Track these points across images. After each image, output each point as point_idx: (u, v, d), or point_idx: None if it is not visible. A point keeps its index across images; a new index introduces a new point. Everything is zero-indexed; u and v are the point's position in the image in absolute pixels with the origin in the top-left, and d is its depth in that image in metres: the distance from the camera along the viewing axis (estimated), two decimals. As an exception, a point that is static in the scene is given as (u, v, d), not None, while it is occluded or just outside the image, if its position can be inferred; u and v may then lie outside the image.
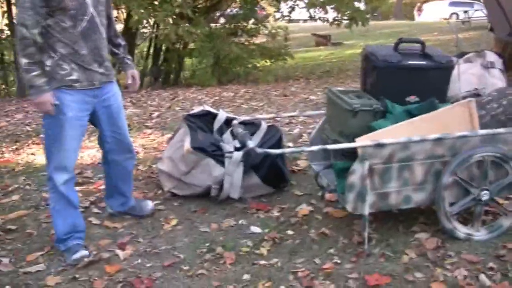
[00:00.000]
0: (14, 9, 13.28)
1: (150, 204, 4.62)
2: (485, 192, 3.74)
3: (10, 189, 5.31)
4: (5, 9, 13.19)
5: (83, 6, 3.71)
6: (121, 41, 4.27)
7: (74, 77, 3.75)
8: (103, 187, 4.91)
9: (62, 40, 3.69)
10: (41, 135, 7.37)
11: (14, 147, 6.93)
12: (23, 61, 3.60)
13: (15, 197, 5.11)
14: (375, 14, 33.44)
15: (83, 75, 3.78)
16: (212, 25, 14.60)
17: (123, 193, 4.47)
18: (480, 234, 3.85)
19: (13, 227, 4.44)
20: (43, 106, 3.67)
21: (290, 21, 15.95)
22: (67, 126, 3.77)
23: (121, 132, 4.17)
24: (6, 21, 13.31)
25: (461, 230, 3.82)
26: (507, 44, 7.06)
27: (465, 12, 30.12)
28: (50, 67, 3.70)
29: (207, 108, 5.12)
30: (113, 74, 4.07)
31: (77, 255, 3.87)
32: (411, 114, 3.85)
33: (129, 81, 4.28)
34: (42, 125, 3.98)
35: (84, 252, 3.92)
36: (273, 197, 4.85)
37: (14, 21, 3.58)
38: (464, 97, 4.31)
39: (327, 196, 4.65)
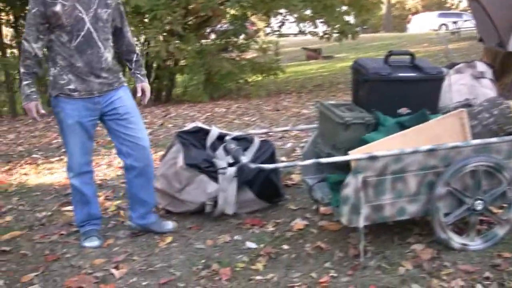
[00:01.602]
0: (4, 32, 13.33)
1: (171, 224, 4.60)
2: (479, 201, 3.75)
3: (3, 210, 5.30)
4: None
5: (80, 23, 3.94)
6: (133, 56, 4.40)
7: (72, 86, 4.03)
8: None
9: (61, 53, 3.99)
10: (33, 155, 7.39)
11: (6, 167, 6.92)
12: (21, 70, 4.02)
13: (8, 218, 5.10)
14: (365, 27, 33.50)
15: (81, 85, 4.04)
16: (203, 41, 14.61)
17: (143, 203, 4.43)
18: (475, 244, 3.85)
19: (7, 248, 4.41)
20: (29, 112, 4.09)
21: (281, 35, 15.98)
22: (68, 131, 4.11)
23: (134, 135, 4.21)
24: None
25: (456, 240, 3.82)
26: (497, 54, 7.08)
27: (454, 22, 30.32)
28: (52, 77, 4.05)
29: (200, 124, 5.12)
30: (118, 81, 4.21)
31: (88, 243, 4.35)
32: (403, 126, 3.86)
33: (139, 94, 4.41)
34: None
35: (95, 243, 4.35)
36: (268, 212, 4.85)
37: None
38: (455, 108, 4.31)
39: (322, 209, 4.65)
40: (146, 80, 4.48)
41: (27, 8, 3.94)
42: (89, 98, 4.06)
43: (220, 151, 4.79)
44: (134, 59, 4.40)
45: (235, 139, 4.63)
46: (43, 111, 4.07)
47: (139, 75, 4.43)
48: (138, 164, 4.27)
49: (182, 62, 13.95)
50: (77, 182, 4.26)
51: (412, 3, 48.27)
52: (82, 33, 3.95)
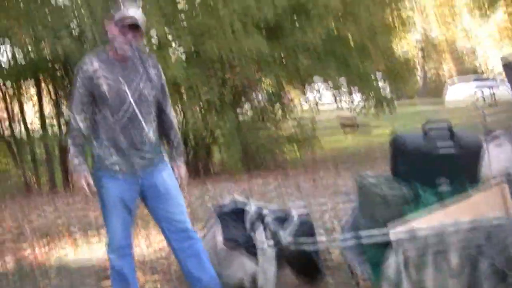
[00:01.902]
0: (46, 108, 13.60)
1: None
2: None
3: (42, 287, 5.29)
4: (37, 108, 13.44)
5: (123, 99, 3.95)
6: (173, 138, 4.34)
7: (114, 162, 4.01)
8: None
9: (104, 127, 4.00)
10: (72, 230, 7.43)
11: (45, 244, 6.94)
12: (68, 141, 4.03)
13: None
14: (400, 95, 33.55)
15: (123, 161, 4.01)
16: (239, 112, 14.72)
17: (199, 280, 4.25)
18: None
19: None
20: (77, 183, 4.03)
21: (317, 108, 16.04)
22: (109, 207, 4.05)
23: (175, 215, 4.15)
24: (38, 119, 13.54)
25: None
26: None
27: (490, 88, 30.18)
28: (97, 152, 4.05)
29: (238, 199, 5.11)
30: (160, 158, 4.17)
31: None
32: (443, 199, 3.81)
33: (176, 175, 4.31)
34: None
35: None
36: (306, 287, 4.77)
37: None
38: (495, 179, 4.25)
39: (362, 285, 4.57)
40: (183, 161, 4.42)
41: (71, 82, 4.01)
42: (131, 176, 4.04)
43: (259, 228, 4.75)
44: (174, 139, 4.35)
45: (274, 214, 4.61)
46: (91, 181, 3.98)
47: (177, 157, 4.37)
48: (182, 245, 4.20)
49: (220, 137, 14.04)
50: (117, 261, 4.16)
51: (447, 70, 48.30)
52: (125, 109, 3.95)
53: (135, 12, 3.97)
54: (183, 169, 4.38)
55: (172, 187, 4.18)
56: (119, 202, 4.04)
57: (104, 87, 3.92)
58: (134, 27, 3.93)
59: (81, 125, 3.98)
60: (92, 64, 3.96)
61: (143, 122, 4.02)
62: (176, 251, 4.26)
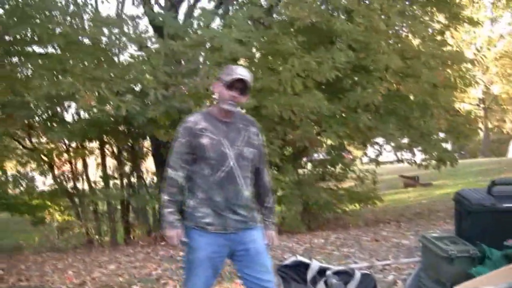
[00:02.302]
0: (108, 162, 13.87)
1: None
2: None
3: None
4: (99, 161, 13.72)
5: (224, 158, 4.03)
6: (267, 199, 4.37)
7: (208, 220, 4.04)
8: None
9: (201, 185, 4.06)
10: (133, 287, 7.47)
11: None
12: (164, 197, 4.06)
13: None
14: (462, 152, 33.15)
15: (217, 220, 4.05)
16: (300, 171, 14.72)
17: None
18: None
19: None
20: (171, 240, 4.04)
21: (378, 164, 15.94)
22: (198, 265, 4.04)
23: (261, 278, 4.12)
24: (100, 173, 13.80)
25: None
26: None
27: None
28: (190, 208, 4.09)
29: (299, 258, 5.10)
30: (254, 220, 4.19)
31: None
32: (510, 259, 3.74)
33: (266, 241, 4.30)
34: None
35: None
36: None
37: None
38: None
39: None
40: (274, 228, 4.42)
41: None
42: (223, 234, 4.06)
43: (321, 286, 4.72)
44: (267, 204, 4.37)
45: (336, 273, 4.57)
46: (184, 239, 4.03)
47: (267, 223, 4.37)
48: None
49: (280, 193, 14.04)
50: None
51: (510, 127, 47.50)
52: (225, 169, 4.03)
53: (244, 71, 4.10)
54: (274, 236, 4.39)
55: (262, 250, 4.18)
56: (207, 260, 4.05)
57: (207, 145, 4.02)
58: (240, 88, 4.06)
59: (181, 180, 4.05)
60: (197, 121, 4.09)
61: (242, 185, 4.09)
62: None
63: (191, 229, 4.07)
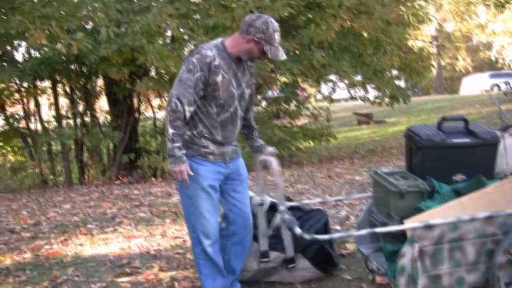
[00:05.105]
0: (61, 102, 13.66)
1: None
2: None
3: (59, 281, 5.30)
4: (52, 101, 13.50)
5: (232, 99, 4.03)
6: (255, 126, 4.47)
7: (209, 149, 4.05)
8: (151, 277, 4.94)
9: (204, 122, 4.02)
10: (88, 225, 7.45)
11: (62, 238, 6.95)
12: (170, 131, 3.89)
13: (64, 289, 5.12)
14: (415, 89, 33.40)
15: (217, 149, 4.07)
16: (254, 108, 14.72)
17: (233, 271, 4.41)
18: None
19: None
20: (179, 175, 3.91)
21: (331, 101, 16.01)
22: (204, 195, 4.06)
23: (243, 203, 4.29)
24: (53, 112, 13.60)
25: (519, 311, 3.71)
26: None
27: (506, 83, 30.00)
28: (188, 138, 4.03)
29: (251, 194, 5.12)
30: (240, 150, 4.29)
31: None
32: (459, 193, 3.81)
33: (264, 157, 4.38)
34: (180, 198, 4.38)
35: None
36: (323, 281, 4.78)
37: (172, 92, 3.82)
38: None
39: (378, 279, 4.57)
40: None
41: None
42: (222, 162, 4.11)
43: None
44: (256, 127, 4.48)
45: (289, 208, 4.60)
46: (191, 173, 3.94)
47: (262, 142, 4.47)
48: (240, 232, 4.29)
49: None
50: (212, 250, 4.16)
51: (463, 65, 48.01)
52: (231, 109, 4.05)
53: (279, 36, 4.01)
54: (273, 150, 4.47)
55: (246, 176, 4.36)
56: (211, 188, 4.07)
57: (221, 84, 3.94)
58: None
59: (188, 115, 3.90)
60: (214, 56, 3.95)
61: (238, 124, 4.17)
62: (228, 236, 4.34)
63: (191, 158, 3.99)
